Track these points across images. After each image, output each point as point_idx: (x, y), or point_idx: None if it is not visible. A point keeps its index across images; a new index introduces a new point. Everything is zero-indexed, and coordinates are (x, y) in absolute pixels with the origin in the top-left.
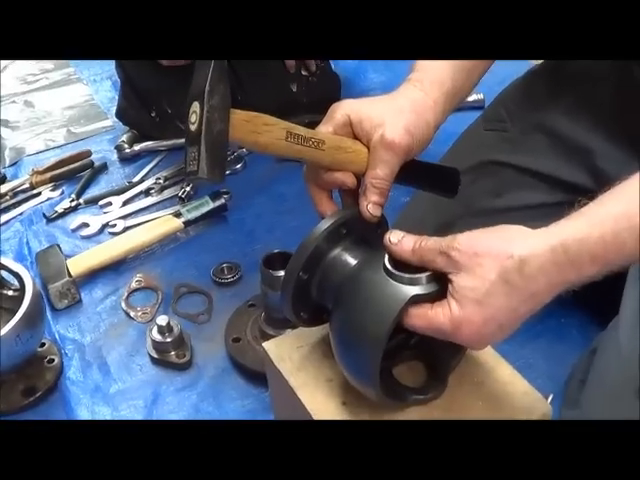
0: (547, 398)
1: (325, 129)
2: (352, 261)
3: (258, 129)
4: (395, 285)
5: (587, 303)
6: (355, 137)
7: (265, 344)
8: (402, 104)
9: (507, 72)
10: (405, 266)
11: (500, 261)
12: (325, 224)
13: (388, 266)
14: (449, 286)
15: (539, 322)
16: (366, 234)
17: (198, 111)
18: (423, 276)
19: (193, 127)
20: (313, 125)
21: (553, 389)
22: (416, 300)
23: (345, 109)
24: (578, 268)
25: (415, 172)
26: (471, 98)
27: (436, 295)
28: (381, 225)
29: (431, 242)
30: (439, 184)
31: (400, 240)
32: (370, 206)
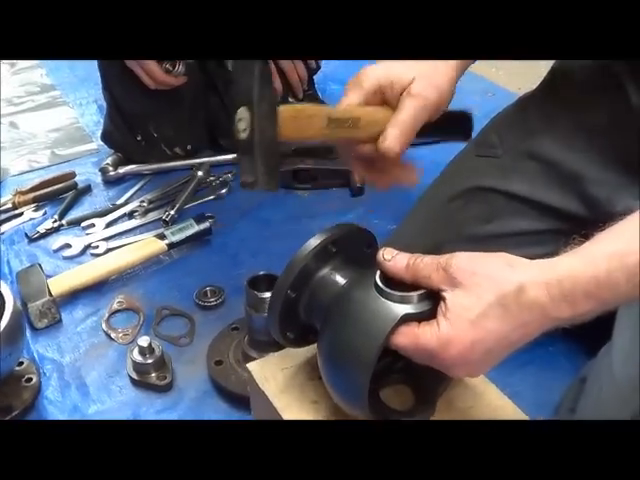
0: None
1: (357, 99)
2: (341, 280)
3: (303, 124)
4: (386, 303)
5: (576, 331)
6: (385, 102)
7: (249, 365)
8: (427, 63)
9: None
10: (396, 285)
11: (499, 284)
12: (315, 242)
13: (379, 283)
14: (441, 304)
15: (527, 350)
16: (356, 253)
17: (248, 118)
18: (415, 295)
19: (243, 135)
20: (301, 152)
21: (541, 417)
22: (407, 319)
23: (373, 76)
24: (572, 304)
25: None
26: None
27: (427, 315)
28: (371, 245)
29: (427, 259)
30: (454, 129)
31: (394, 257)
32: (389, 141)
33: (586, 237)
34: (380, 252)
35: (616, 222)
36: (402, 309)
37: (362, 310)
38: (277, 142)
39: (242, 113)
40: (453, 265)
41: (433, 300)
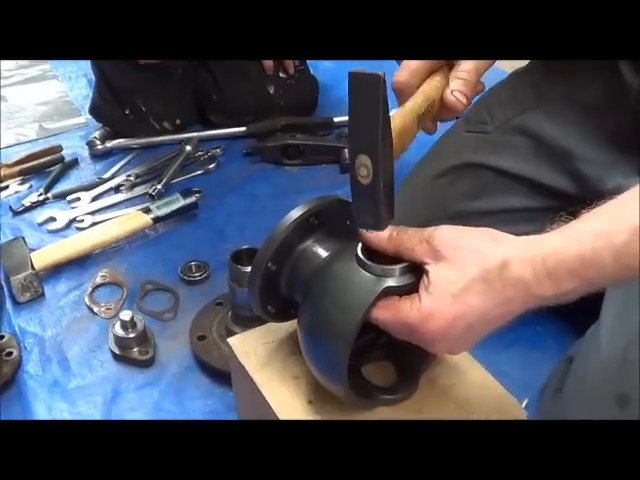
0: (522, 403)
1: (417, 80)
2: (323, 253)
3: (405, 138)
4: (367, 276)
5: (564, 311)
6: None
7: (230, 339)
8: None
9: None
10: (378, 258)
11: (483, 258)
12: (296, 214)
13: (361, 256)
14: (423, 278)
15: (514, 329)
16: (339, 226)
17: (370, 166)
18: (397, 268)
19: (365, 181)
20: (290, 127)
21: (527, 397)
22: (388, 292)
23: None
24: (556, 282)
25: None
26: None
27: (409, 289)
28: (353, 217)
29: (411, 231)
30: None
31: None
32: (456, 92)
33: (573, 215)
34: None
35: (605, 201)
36: (384, 282)
37: (343, 283)
38: (393, 178)
39: (364, 159)
40: (437, 238)
41: (415, 274)
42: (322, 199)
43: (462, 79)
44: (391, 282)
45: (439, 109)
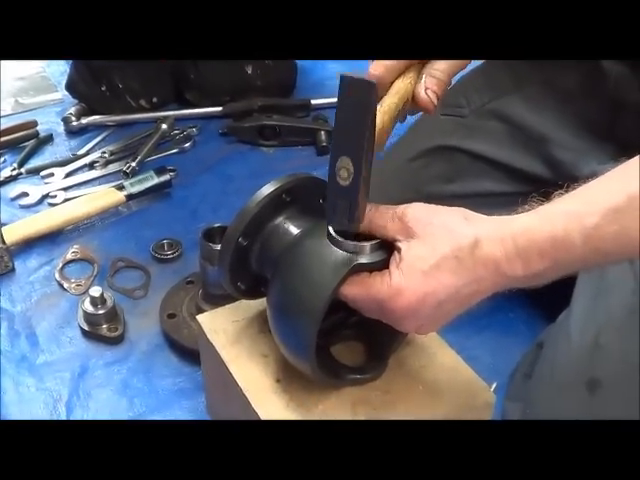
0: (490, 386)
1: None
2: (294, 230)
3: (380, 139)
4: (337, 252)
5: (536, 298)
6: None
7: (199, 316)
8: None
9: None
10: (349, 236)
11: (455, 236)
12: (268, 189)
13: (332, 233)
14: (395, 254)
15: (486, 315)
16: (312, 204)
17: (352, 169)
18: (368, 245)
19: (344, 183)
20: (267, 108)
21: (496, 381)
22: (359, 269)
23: None
24: (526, 262)
25: None
26: None
27: (380, 266)
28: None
29: (382, 208)
30: None
31: None
32: (429, 91)
33: (545, 197)
34: None
35: (578, 185)
36: (354, 259)
37: (313, 259)
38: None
39: (346, 162)
40: (409, 215)
41: (387, 251)
42: (295, 176)
43: (435, 78)
44: (362, 259)
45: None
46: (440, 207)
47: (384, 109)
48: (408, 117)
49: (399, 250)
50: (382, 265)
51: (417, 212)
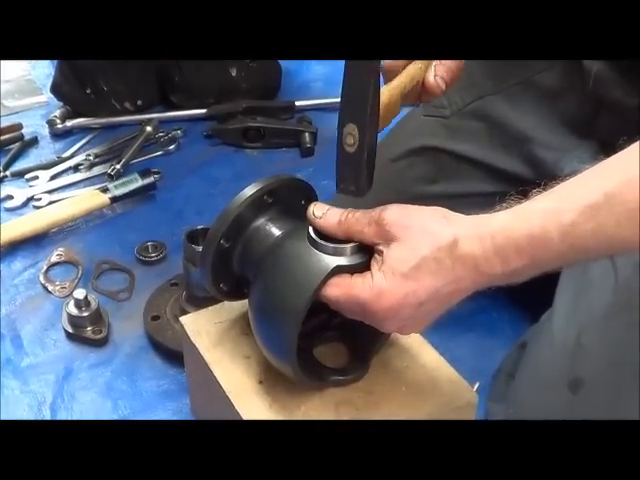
0: (473, 387)
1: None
2: (276, 232)
3: (389, 114)
4: (318, 255)
5: (520, 298)
6: None
7: (182, 318)
8: None
9: None
10: (330, 238)
11: (434, 237)
12: (250, 191)
13: (312, 235)
14: (375, 257)
15: (470, 315)
16: (294, 206)
17: (357, 135)
18: (348, 247)
19: (350, 149)
20: (252, 110)
21: (480, 382)
22: (339, 271)
23: None
24: (504, 259)
25: None
26: None
27: (360, 268)
28: (310, 198)
29: (358, 214)
30: None
31: (325, 213)
32: (438, 77)
33: (524, 195)
34: (310, 208)
35: (556, 183)
36: (334, 261)
37: (294, 261)
38: (375, 147)
39: (351, 129)
40: (386, 219)
41: (367, 252)
42: (277, 177)
43: (446, 65)
44: (342, 261)
45: (420, 91)
46: (417, 207)
47: (393, 85)
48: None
49: (380, 253)
50: (363, 267)
51: (393, 215)
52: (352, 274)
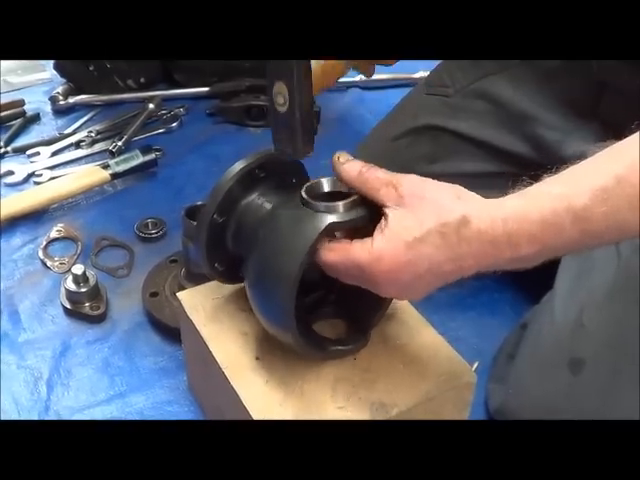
0: (472, 366)
1: None
2: (268, 205)
3: (330, 75)
4: (310, 214)
5: (521, 279)
6: None
7: (179, 294)
8: None
9: None
10: (323, 198)
11: (443, 212)
12: (241, 164)
13: (304, 196)
14: (381, 221)
15: (471, 295)
16: (285, 181)
17: (286, 93)
18: (340, 204)
19: (282, 109)
20: (255, 89)
21: (479, 362)
22: (333, 228)
23: None
24: (514, 245)
25: None
26: (418, 75)
27: (355, 224)
28: (299, 175)
29: (380, 172)
30: None
31: (348, 160)
32: None
33: (535, 180)
34: (335, 155)
35: (566, 167)
36: (327, 218)
37: (286, 225)
38: (312, 107)
39: (280, 88)
40: (405, 185)
41: (361, 211)
42: (269, 152)
43: None
44: (335, 218)
45: None
46: (435, 182)
47: None
48: (394, 97)
49: (386, 216)
50: (357, 223)
51: (412, 184)
52: (348, 233)
